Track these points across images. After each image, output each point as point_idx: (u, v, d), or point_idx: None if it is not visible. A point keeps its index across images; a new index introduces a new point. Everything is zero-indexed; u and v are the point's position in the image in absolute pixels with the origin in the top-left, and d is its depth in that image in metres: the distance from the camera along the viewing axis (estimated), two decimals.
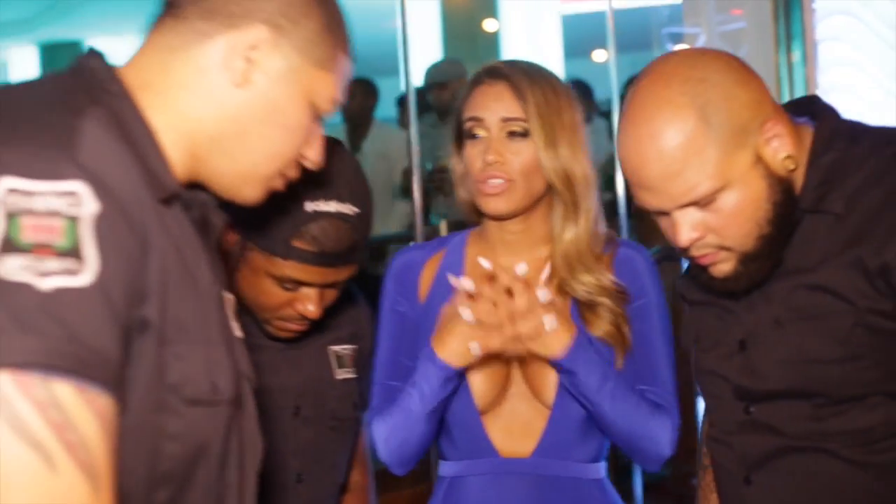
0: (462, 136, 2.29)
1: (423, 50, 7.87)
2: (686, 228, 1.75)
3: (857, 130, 1.81)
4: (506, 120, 2.22)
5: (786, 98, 4.97)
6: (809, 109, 1.87)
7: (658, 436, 2.22)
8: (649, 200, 1.76)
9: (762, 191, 1.72)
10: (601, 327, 2.25)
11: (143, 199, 1.29)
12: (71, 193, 1.19)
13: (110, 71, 1.39)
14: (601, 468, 2.34)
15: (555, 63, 8.62)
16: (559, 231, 2.26)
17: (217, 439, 1.39)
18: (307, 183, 1.96)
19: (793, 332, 1.80)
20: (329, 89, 1.49)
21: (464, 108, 2.28)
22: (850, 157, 1.76)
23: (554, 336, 2.16)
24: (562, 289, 2.28)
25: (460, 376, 2.24)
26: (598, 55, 11.06)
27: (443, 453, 2.37)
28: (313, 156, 1.53)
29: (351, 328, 2.37)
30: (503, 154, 2.22)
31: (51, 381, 1.14)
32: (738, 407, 1.89)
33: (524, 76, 2.23)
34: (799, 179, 1.78)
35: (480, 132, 2.25)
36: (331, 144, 2.06)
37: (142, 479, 1.31)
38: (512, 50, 8.76)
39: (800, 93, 4.84)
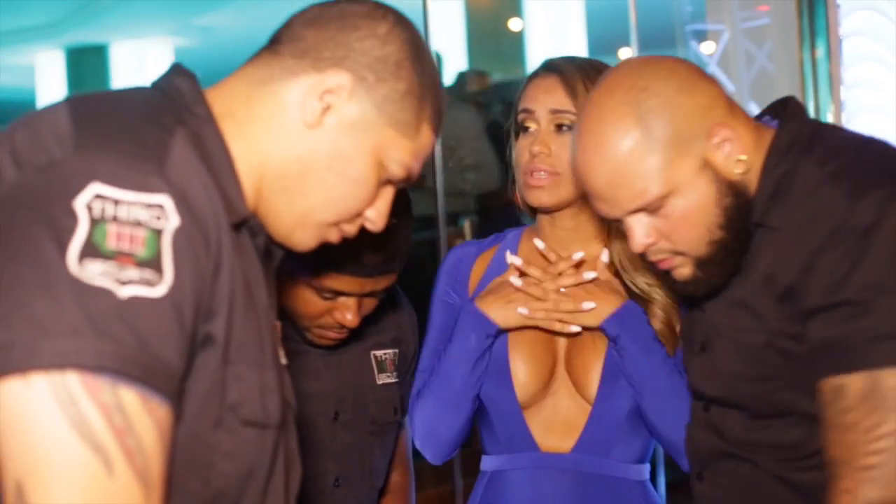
0: (518, 130, 2.29)
1: (447, 50, 7.86)
2: (639, 234, 1.75)
3: (816, 139, 1.76)
4: (554, 112, 2.22)
5: (809, 94, 4.94)
6: (782, 112, 1.84)
7: None
8: (602, 209, 1.77)
9: (710, 196, 1.71)
10: (654, 323, 2.23)
11: (220, 221, 1.31)
12: (157, 206, 1.22)
13: (198, 93, 1.41)
14: (644, 470, 2.31)
15: None
16: (616, 226, 2.21)
17: (264, 463, 1.41)
18: None
19: (725, 345, 1.81)
20: (402, 154, 1.46)
21: (519, 102, 2.29)
22: (799, 169, 1.73)
23: (596, 308, 2.21)
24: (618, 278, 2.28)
25: (495, 353, 2.26)
26: (624, 53, 11.02)
27: (485, 448, 2.37)
28: (375, 218, 1.50)
29: (393, 332, 2.36)
30: (549, 146, 2.22)
31: (118, 386, 1.17)
32: (700, 405, 1.91)
33: (577, 70, 2.22)
34: (754, 184, 1.76)
35: (531, 125, 2.25)
36: None
37: (193, 496, 1.33)
38: (537, 49, 8.74)
39: (824, 89, 4.81)
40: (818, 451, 1.71)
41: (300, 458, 1.56)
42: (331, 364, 2.25)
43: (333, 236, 1.49)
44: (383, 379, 2.31)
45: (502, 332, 2.27)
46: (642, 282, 2.23)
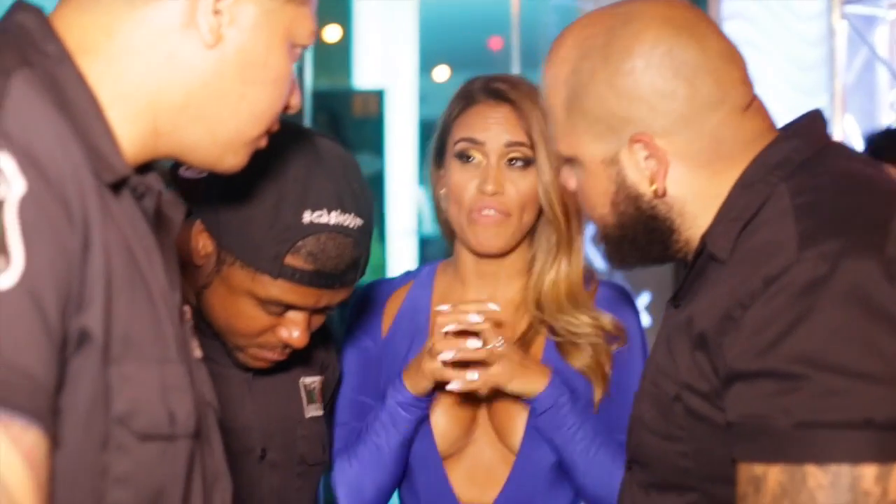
0: (443, 154, 2.15)
1: None
2: (564, 173, 1.61)
3: (811, 162, 1.46)
4: (510, 145, 2.09)
5: None
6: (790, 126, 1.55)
7: None
8: None
9: (607, 191, 1.53)
10: (581, 360, 2.11)
11: (85, 182, 1.10)
12: None
13: (46, 29, 1.18)
14: None
15: (407, 77, 8.30)
16: (542, 267, 2.14)
17: (176, 482, 1.20)
18: (304, 187, 1.73)
19: (647, 386, 1.54)
20: (307, 23, 1.32)
21: (454, 126, 2.14)
22: (774, 194, 1.44)
23: (531, 375, 2.05)
24: (537, 323, 2.16)
25: (423, 417, 2.13)
26: (439, 71, 10.79)
27: (402, 500, 2.22)
28: (295, 102, 1.36)
29: (322, 356, 2.08)
30: (502, 183, 2.09)
31: None
32: (628, 462, 1.63)
33: (527, 98, 2.10)
34: (686, 206, 1.49)
35: (476, 156, 2.11)
36: (331, 144, 1.83)
37: None
38: (363, 60, 8.38)
39: None
40: None
41: (229, 475, 1.35)
42: (256, 392, 1.94)
43: (263, 142, 1.35)
44: (311, 412, 2.03)
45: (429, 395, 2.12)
46: (571, 329, 2.11)
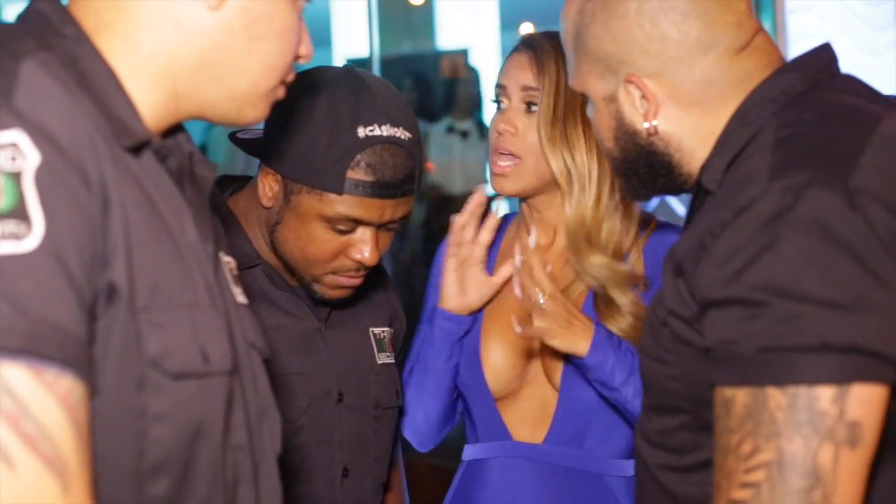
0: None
1: (353, 23, 7.58)
2: (588, 108, 1.66)
3: (807, 96, 1.49)
4: (524, 89, 2.17)
5: None
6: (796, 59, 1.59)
7: None
8: None
9: (610, 125, 1.60)
10: (617, 323, 2.14)
11: (100, 148, 1.16)
12: (10, 145, 1.08)
13: (64, 13, 1.26)
14: (631, 465, 2.18)
15: (490, 36, 8.35)
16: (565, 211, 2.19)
17: (216, 417, 1.25)
18: (354, 107, 1.89)
19: (647, 315, 1.61)
20: None
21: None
22: (763, 128, 1.48)
23: (574, 335, 2.07)
24: (578, 278, 2.20)
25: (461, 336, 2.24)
26: (525, 28, 10.80)
27: (466, 437, 2.32)
28: (305, 50, 1.39)
29: (387, 310, 2.25)
30: (516, 125, 2.17)
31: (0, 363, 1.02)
32: None
33: (553, 47, 2.16)
34: (688, 141, 1.56)
35: (503, 100, 2.20)
36: (370, 73, 2.00)
37: (128, 472, 1.18)
38: (446, 23, 8.46)
39: None
40: (703, 465, 1.48)
41: (277, 410, 1.41)
42: (330, 340, 2.11)
43: (281, 93, 1.39)
44: (383, 359, 2.18)
45: (472, 315, 2.23)
46: (589, 276, 2.15)
